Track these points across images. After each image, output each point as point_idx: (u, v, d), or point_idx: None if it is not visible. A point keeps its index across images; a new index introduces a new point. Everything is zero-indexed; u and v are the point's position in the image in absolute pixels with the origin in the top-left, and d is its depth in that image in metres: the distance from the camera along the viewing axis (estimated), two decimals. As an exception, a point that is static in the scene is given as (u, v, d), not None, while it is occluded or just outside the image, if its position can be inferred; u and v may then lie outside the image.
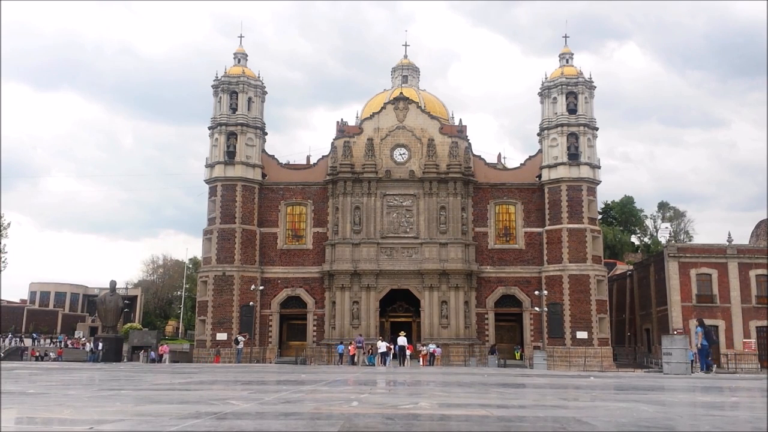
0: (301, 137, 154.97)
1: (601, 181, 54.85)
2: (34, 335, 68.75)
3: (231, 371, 11.90)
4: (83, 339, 65.27)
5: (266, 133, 57.40)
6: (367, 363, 43.25)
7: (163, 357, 49.79)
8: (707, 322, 51.02)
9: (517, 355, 50.14)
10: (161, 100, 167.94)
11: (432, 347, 45.70)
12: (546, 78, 56.26)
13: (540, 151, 55.72)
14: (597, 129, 55.29)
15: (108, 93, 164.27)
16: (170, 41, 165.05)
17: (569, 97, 54.84)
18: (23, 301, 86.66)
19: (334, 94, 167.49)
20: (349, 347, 45.35)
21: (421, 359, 45.06)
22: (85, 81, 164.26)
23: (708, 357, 24.52)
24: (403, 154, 55.06)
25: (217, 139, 55.17)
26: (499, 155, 64.89)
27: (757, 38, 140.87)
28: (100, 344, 43.77)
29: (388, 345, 45.15)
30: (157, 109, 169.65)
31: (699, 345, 24.84)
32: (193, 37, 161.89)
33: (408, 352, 45.45)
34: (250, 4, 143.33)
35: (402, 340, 44.79)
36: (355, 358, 44.62)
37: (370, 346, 46.42)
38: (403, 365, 42.03)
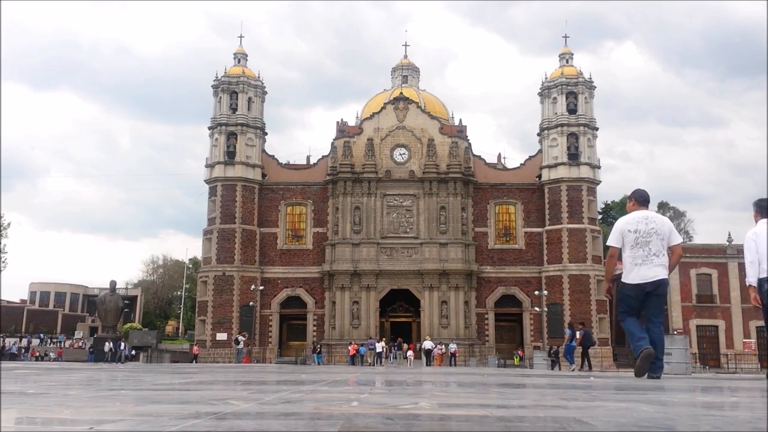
0: (298, 137, 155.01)
1: (601, 181, 54.93)
2: (40, 335, 68.93)
3: (231, 371, 11.90)
4: (81, 341, 65.27)
5: (266, 133, 57.45)
6: (316, 362, 43.00)
7: (197, 356, 49.46)
8: (708, 322, 51.29)
9: (516, 360, 49.66)
10: (158, 99, 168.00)
11: (453, 347, 45.46)
12: (546, 78, 56.30)
13: (540, 151, 55.76)
14: (597, 129, 55.37)
15: (106, 93, 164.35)
16: (166, 41, 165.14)
17: (569, 97, 54.88)
18: (23, 301, 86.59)
19: (332, 93, 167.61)
20: (349, 347, 45.33)
21: (435, 359, 44.79)
22: (82, 81, 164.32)
23: (572, 354, 27.85)
24: (403, 154, 55.08)
25: (217, 139, 55.19)
26: (499, 155, 64.97)
27: (755, 37, 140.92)
28: (122, 344, 42.60)
29: (384, 345, 45.19)
30: (154, 109, 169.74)
31: (564, 345, 29.32)
32: (189, 36, 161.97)
33: (410, 352, 45.49)
34: (246, 4, 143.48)
35: (428, 344, 44.90)
36: (367, 359, 44.55)
37: (319, 347, 47.12)
38: (429, 365, 41.74)
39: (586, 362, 27.32)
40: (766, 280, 8.41)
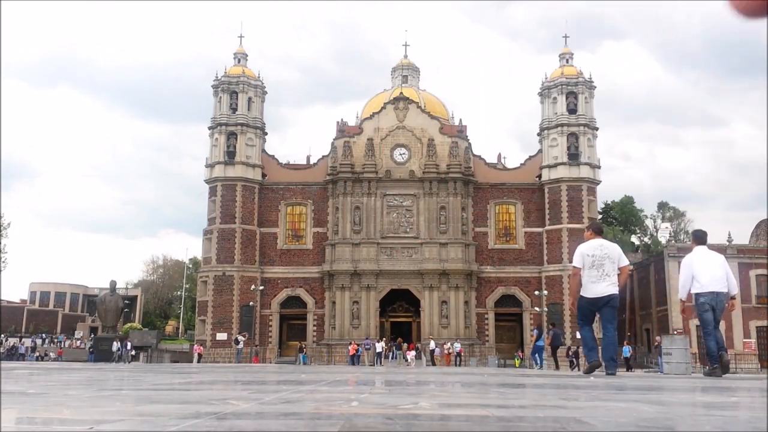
0: (298, 137, 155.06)
1: (601, 181, 54.97)
2: (42, 335, 68.97)
3: (231, 371, 11.91)
4: (80, 341, 65.34)
5: (266, 133, 57.47)
6: (302, 362, 43.15)
7: (201, 357, 49.42)
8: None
9: (517, 362, 49.35)
10: (158, 99, 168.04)
11: (458, 346, 45.71)
12: (546, 78, 56.33)
13: (540, 151, 55.78)
14: (597, 129, 55.42)
15: (106, 92, 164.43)
16: (166, 41, 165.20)
17: (569, 97, 54.92)
18: (23, 301, 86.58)
19: (332, 93, 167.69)
20: (349, 347, 45.31)
21: (436, 358, 45.16)
22: (83, 80, 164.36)
23: (540, 354, 28.45)
24: (403, 154, 55.09)
25: (217, 139, 55.22)
26: (499, 155, 64.97)
27: (754, 37, 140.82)
28: (129, 344, 42.68)
29: (384, 345, 45.32)
30: (154, 109, 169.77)
31: (532, 345, 30.59)
32: (189, 36, 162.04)
33: (412, 353, 45.51)
34: (246, 4, 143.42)
35: (432, 344, 45.95)
36: (363, 359, 44.61)
37: (304, 347, 47.43)
38: (433, 365, 41.87)
39: (556, 363, 27.63)
40: (701, 295, 10.32)
